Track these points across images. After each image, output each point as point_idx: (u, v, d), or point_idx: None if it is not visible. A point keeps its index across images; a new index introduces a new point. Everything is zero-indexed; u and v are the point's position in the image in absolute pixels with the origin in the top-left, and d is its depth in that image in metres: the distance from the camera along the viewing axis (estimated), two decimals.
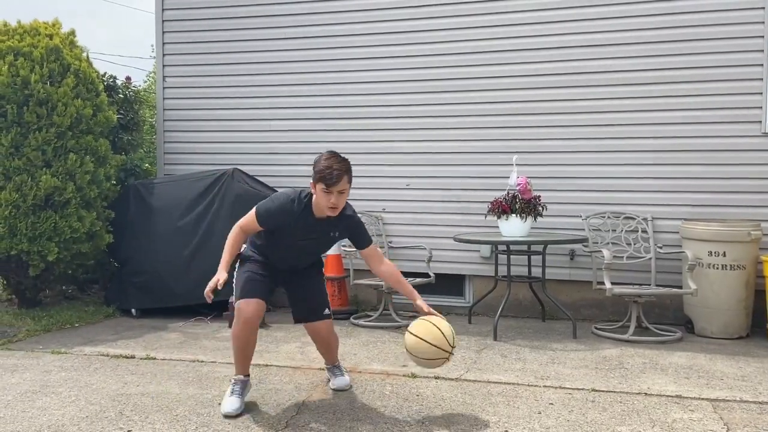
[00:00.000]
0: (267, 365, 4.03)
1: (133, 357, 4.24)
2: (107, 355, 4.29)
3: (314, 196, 3.04)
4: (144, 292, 5.59)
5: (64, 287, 6.26)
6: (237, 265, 3.30)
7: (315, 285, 3.40)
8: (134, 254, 5.70)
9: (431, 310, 3.11)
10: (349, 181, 3.03)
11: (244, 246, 3.32)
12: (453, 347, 3.00)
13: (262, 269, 3.24)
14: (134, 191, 5.88)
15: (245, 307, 3.12)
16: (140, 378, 3.74)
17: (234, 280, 3.26)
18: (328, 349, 3.48)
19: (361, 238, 3.24)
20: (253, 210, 3.14)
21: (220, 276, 3.04)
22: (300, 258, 3.31)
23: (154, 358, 4.21)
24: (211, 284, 3.01)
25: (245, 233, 3.19)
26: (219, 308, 5.37)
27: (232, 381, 3.25)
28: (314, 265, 3.44)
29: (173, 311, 5.51)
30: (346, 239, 3.34)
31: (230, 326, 5.06)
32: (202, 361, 4.14)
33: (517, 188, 4.87)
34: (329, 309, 3.39)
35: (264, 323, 5.19)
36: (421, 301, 3.15)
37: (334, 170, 2.92)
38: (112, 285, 5.93)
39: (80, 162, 5.35)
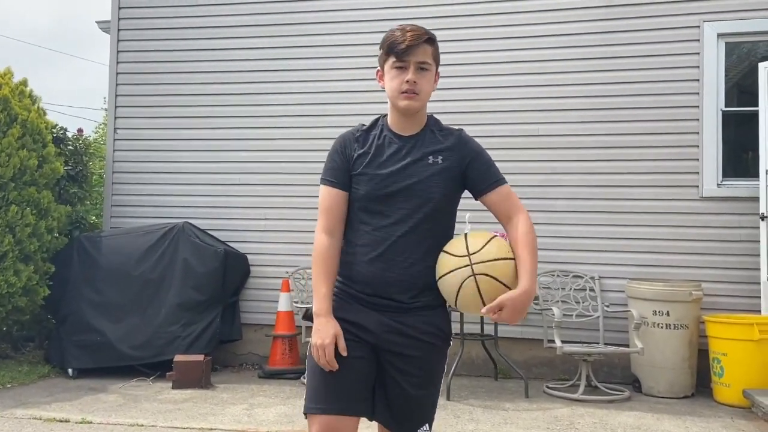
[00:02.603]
0: (212, 429, 3.86)
1: (67, 421, 4.01)
2: (40, 419, 4.04)
3: (387, 94, 2.00)
4: (85, 351, 5.34)
5: None
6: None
7: (422, 378, 2.01)
8: (76, 311, 5.46)
9: (502, 309, 1.88)
10: (436, 57, 2.01)
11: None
12: (474, 253, 1.93)
13: (348, 334, 1.96)
14: (78, 245, 5.69)
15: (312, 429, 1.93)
16: None
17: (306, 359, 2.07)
18: None
19: (486, 169, 2.04)
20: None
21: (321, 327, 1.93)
22: (401, 235, 1.97)
23: (90, 422, 3.99)
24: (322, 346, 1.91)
25: (331, 231, 2.02)
26: (162, 368, 5.16)
27: None
28: (434, 329, 2.03)
29: (113, 371, 5.26)
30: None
31: (174, 387, 4.87)
32: (142, 425, 3.94)
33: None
34: (429, 425, 2.05)
35: (209, 383, 5.01)
36: (515, 294, 1.87)
37: (408, 31, 1.95)
38: (50, 343, 5.65)
39: (21, 214, 5.17)
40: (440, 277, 1.96)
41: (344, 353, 1.91)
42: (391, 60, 1.96)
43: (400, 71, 1.95)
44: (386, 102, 2.04)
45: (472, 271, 1.89)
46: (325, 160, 2.07)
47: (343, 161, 2.02)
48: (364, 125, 2.08)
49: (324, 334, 1.90)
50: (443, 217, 2.02)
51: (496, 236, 2.00)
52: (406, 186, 1.96)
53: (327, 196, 2.02)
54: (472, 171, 2.02)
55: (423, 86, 1.96)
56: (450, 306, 2.03)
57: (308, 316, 2.14)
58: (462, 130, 2.09)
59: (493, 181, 2.02)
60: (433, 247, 1.97)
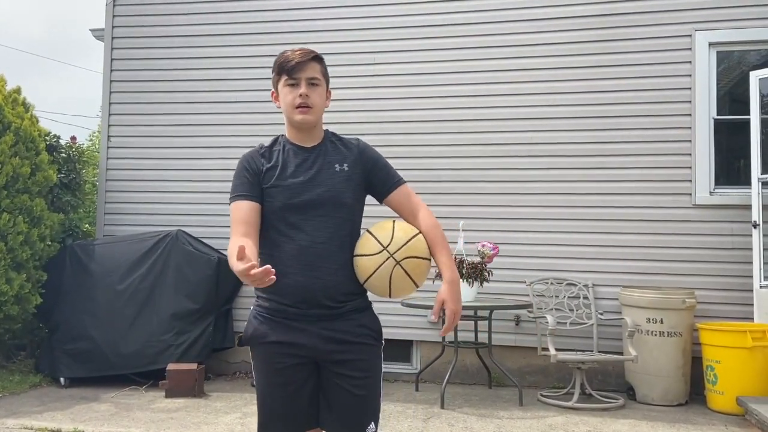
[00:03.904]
0: None
1: (59, 430, 3.98)
2: (31, 429, 4.01)
3: (283, 112, 2.11)
4: (77, 360, 5.30)
5: None
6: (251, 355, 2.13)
7: (363, 380, 2.06)
8: (68, 319, 5.43)
9: (445, 307, 2.06)
10: (324, 74, 2.12)
11: (253, 304, 2.15)
12: (388, 245, 2.03)
13: (286, 357, 2.02)
14: (71, 253, 5.66)
15: None
16: None
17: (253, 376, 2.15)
18: None
19: (385, 174, 2.15)
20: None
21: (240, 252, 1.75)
22: (319, 239, 2.02)
23: (83, 431, 3.95)
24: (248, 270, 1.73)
25: (248, 237, 1.99)
26: (155, 376, 5.13)
27: None
28: (364, 328, 2.09)
29: (105, 380, 5.23)
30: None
31: (167, 395, 4.84)
32: None
33: (492, 252, 4.97)
34: (375, 424, 2.09)
35: (202, 392, 4.98)
36: (444, 288, 2.05)
37: (296, 52, 2.07)
38: (42, 352, 5.61)
39: (13, 222, 5.14)
40: (366, 279, 2.05)
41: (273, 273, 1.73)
42: (284, 78, 2.07)
43: (293, 88, 2.06)
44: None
45: (395, 260, 2.02)
46: (232, 181, 2.10)
47: (253, 176, 2.07)
48: (264, 144, 2.16)
49: (235, 267, 1.74)
50: (357, 222, 2.13)
51: (395, 220, 2.12)
52: (319, 194, 2.04)
53: (240, 209, 2.04)
54: (374, 176, 2.14)
55: (315, 100, 2.07)
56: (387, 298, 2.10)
57: (243, 342, 2.14)
58: (359, 139, 2.20)
59: (395, 182, 2.16)
60: (353, 251, 2.07)
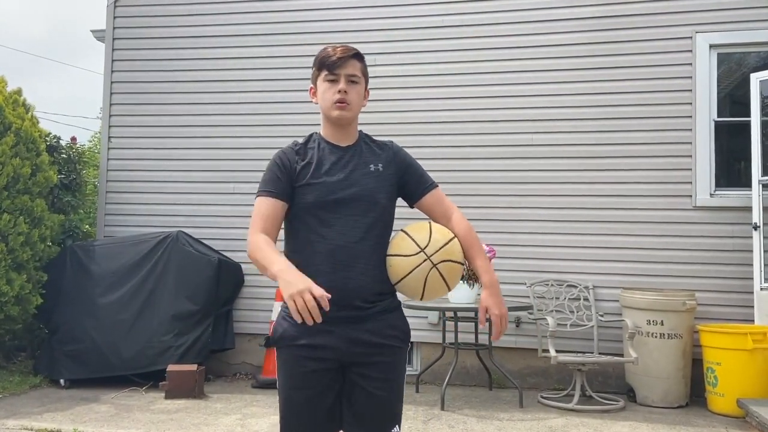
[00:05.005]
0: None
1: (59, 431, 3.96)
2: (31, 429, 4.01)
3: (320, 107, 2.09)
4: (77, 362, 5.29)
5: None
6: (276, 356, 2.10)
7: (386, 382, 2.04)
8: (68, 320, 5.42)
9: (489, 313, 2.06)
10: (364, 72, 2.11)
11: (278, 309, 2.07)
12: (425, 247, 2.01)
13: (312, 362, 1.98)
14: (71, 254, 5.66)
15: None
16: None
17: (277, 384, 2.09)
18: None
19: (419, 176, 2.15)
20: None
21: (283, 277, 1.80)
22: (352, 238, 2.00)
23: None
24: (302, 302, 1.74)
25: (267, 233, 1.99)
26: (155, 377, 5.12)
27: None
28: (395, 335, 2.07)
29: (105, 381, 5.22)
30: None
31: (167, 396, 4.84)
32: None
33: (489, 254, 4.97)
34: (399, 426, 2.10)
35: (202, 393, 4.98)
36: (486, 294, 2.05)
37: (338, 48, 2.07)
38: (42, 353, 5.60)
39: (14, 223, 5.15)
40: (400, 280, 2.02)
41: (327, 298, 1.75)
42: (323, 74, 2.06)
43: (332, 84, 2.05)
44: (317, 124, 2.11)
45: (432, 263, 1.99)
46: (263, 174, 2.08)
47: (285, 174, 2.04)
48: (298, 141, 2.14)
49: (299, 281, 1.76)
50: (389, 222, 2.11)
51: (430, 222, 2.10)
52: (353, 193, 2.02)
53: (265, 205, 2.02)
54: (408, 178, 2.13)
55: (353, 97, 2.06)
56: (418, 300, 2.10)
57: (270, 343, 2.11)
58: (393, 141, 2.20)
59: (428, 185, 2.15)
60: (385, 251, 2.05)
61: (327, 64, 2.04)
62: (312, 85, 2.13)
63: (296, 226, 2.04)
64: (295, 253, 2.02)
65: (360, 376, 2.01)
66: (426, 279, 1.99)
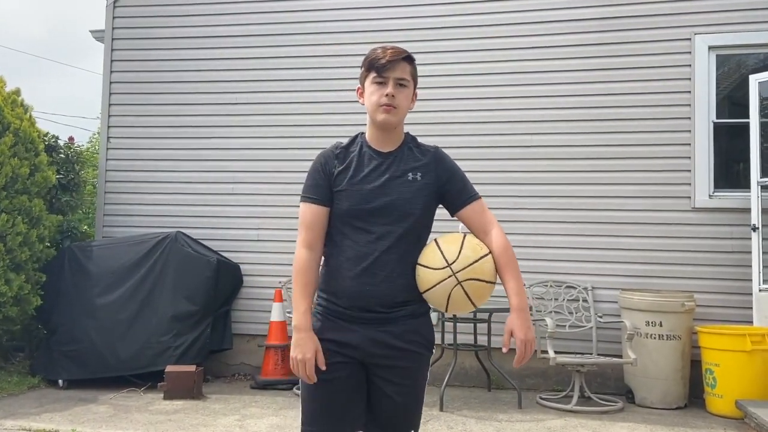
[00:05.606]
0: None
1: None
2: (29, 430, 4.00)
3: (367, 109, 2.07)
4: (75, 362, 5.29)
5: None
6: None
7: (407, 387, 2.05)
8: (66, 321, 5.42)
9: (514, 337, 2.01)
10: (414, 75, 2.08)
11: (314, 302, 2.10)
12: (453, 263, 1.96)
13: (336, 355, 2.01)
14: (70, 254, 5.65)
15: None
16: None
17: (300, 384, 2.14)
18: None
19: (461, 186, 2.10)
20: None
21: (300, 345, 1.97)
22: (380, 246, 2.00)
23: None
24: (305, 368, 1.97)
25: (312, 246, 2.04)
26: (154, 378, 5.12)
27: None
28: (417, 342, 2.06)
29: (103, 381, 5.22)
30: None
31: (165, 397, 4.83)
32: None
33: None
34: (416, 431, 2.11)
35: (201, 394, 4.98)
36: (513, 317, 1.99)
37: (388, 50, 2.03)
38: (40, 353, 5.60)
39: (12, 223, 5.14)
40: (425, 291, 2.00)
41: (323, 367, 1.97)
42: (372, 75, 2.02)
43: (380, 86, 2.01)
44: (364, 124, 2.11)
45: (457, 280, 1.95)
46: (306, 177, 2.09)
47: (324, 178, 2.04)
48: (341, 143, 2.12)
49: (305, 348, 1.96)
50: (423, 232, 2.07)
51: (465, 235, 2.04)
52: (387, 202, 2.00)
53: (309, 212, 2.05)
54: (450, 187, 2.08)
55: (401, 101, 2.02)
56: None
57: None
58: (438, 147, 2.14)
59: (470, 196, 2.09)
60: (414, 261, 2.03)
61: (376, 66, 2.01)
62: (359, 86, 2.10)
63: (331, 229, 2.06)
64: (328, 254, 2.07)
65: (382, 379, 2.03)
66: (450, 295, 1.95)
